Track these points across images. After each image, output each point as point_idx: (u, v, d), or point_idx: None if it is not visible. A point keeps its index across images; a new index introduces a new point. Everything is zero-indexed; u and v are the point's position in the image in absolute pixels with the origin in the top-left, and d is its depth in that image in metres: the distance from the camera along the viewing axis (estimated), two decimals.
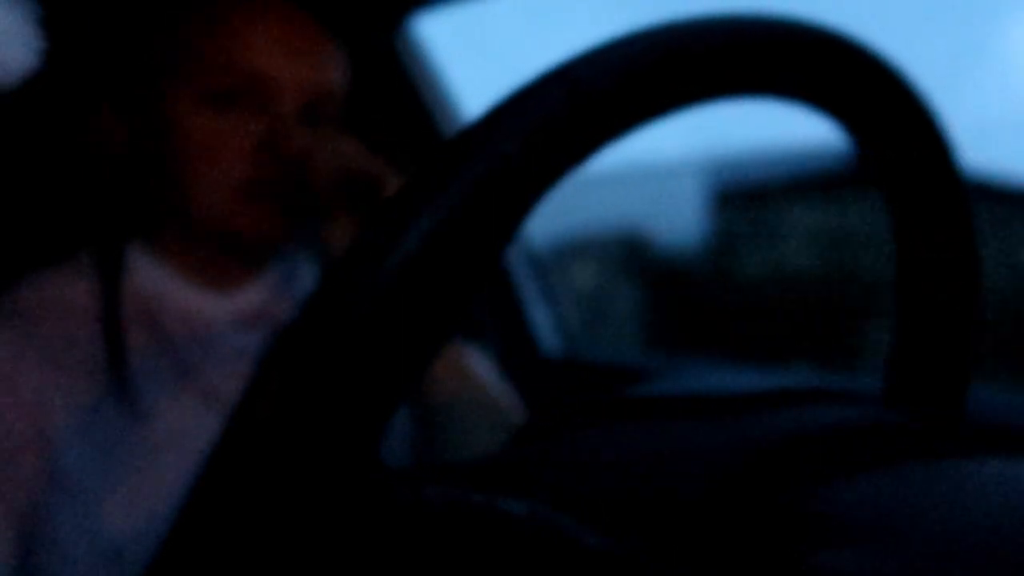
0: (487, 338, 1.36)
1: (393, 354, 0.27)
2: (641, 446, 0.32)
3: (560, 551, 0.26)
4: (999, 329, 6.40)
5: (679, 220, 8.49)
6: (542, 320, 1.35)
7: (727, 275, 8.29)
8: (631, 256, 8.53)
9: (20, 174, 0.85)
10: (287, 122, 0.69)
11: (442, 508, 0.27)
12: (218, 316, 0.73)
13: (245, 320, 0.74)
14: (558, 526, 0.27)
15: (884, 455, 0.31)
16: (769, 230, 8.06)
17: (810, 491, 0.28)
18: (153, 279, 0.73)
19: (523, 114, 0.28)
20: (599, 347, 1.44)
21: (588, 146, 0.29)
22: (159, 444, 0.67)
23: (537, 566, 0.26)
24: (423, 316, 0.27)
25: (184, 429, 0.68)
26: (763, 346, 7.48)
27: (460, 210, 0.27)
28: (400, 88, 1.23)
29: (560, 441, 0.33)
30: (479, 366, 0.84)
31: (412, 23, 1.20)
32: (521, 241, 1.35)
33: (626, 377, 1.18)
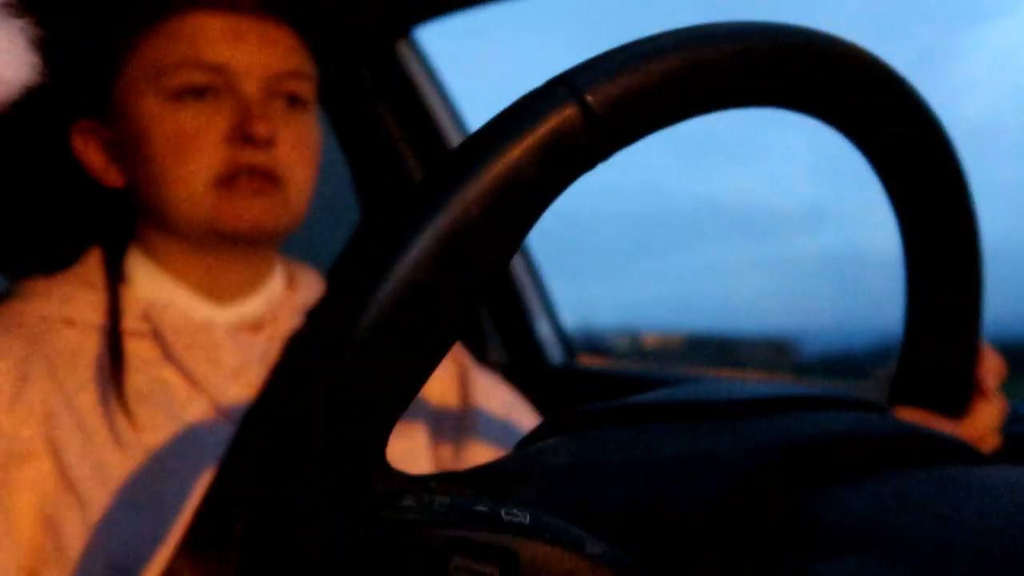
0: (493, 349, 1.36)
1: (397, 361, 0.27)
2: (645, 452, 0.32)
3: (564, 559, 0.26)
4: None
5: None
6: (546, 331, 1.35)
7: None
8: None
9: (18, 185, 0.85)
10: (253, 105, 0.70)
11: (448, 516, 0.27)
12: (220, 325, 0.73)
13: (247, 329, 0.74)
14: (561, 534, 0.26)
15: (889, 462, 0.31)
16: None
17: (815, 498, 0.28)
18: (155, 289, 0.73)
19: (529, 121, 0.28)
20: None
21: (604, 151, 0.29)
22: (164, 455, 0.66)
23: (540, 573, 0.26)
24: (427, 320, 0.27)
25: (188, 440, 0.68)
26: None
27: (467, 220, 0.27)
28: (404, 96, 1.23)
29: (564, 448, 0.33)
30: (490, 381, 0.84)
31: (416, 32, 1.21)
32: (526, 256, 1.35)
33: (631, 386, 1.18)
